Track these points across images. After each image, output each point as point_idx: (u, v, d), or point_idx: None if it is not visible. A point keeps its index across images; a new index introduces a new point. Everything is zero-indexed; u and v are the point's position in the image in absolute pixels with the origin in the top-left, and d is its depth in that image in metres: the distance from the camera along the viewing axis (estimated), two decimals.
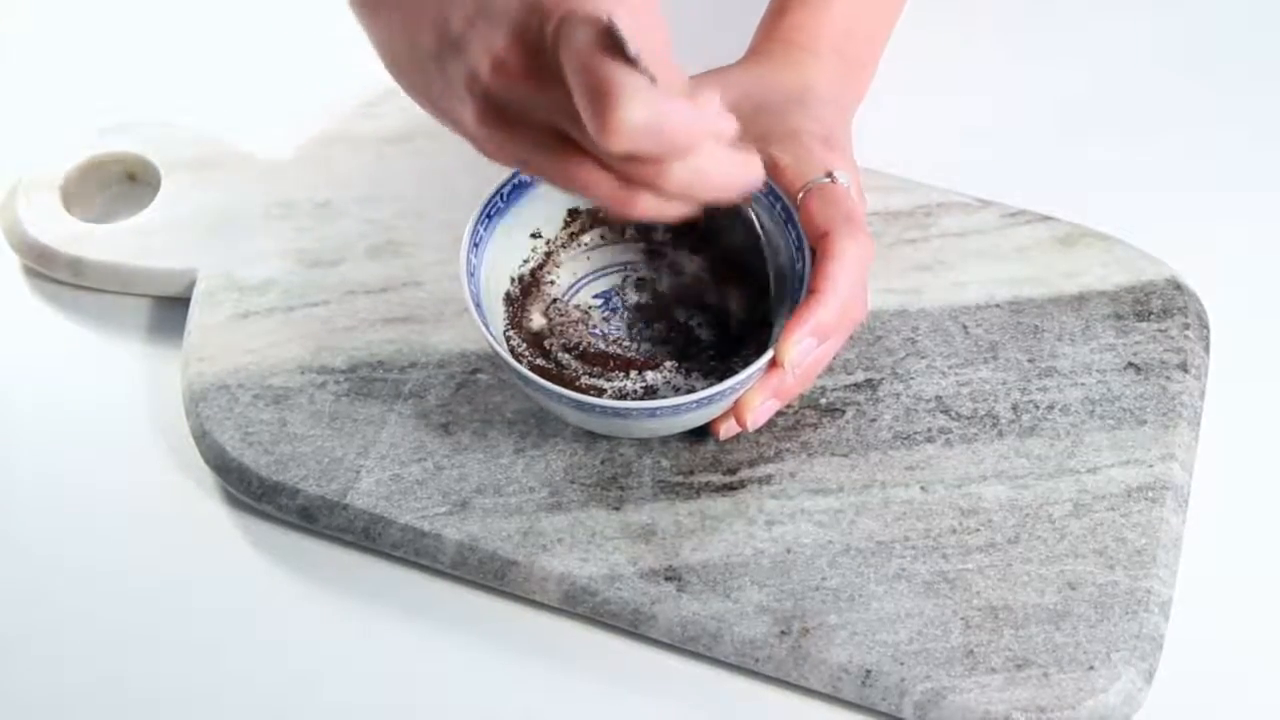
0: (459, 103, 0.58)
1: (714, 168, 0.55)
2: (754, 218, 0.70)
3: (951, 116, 0.85)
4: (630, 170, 0.55)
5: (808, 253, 0.66)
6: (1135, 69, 0.88)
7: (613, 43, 0.53)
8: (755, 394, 0.66)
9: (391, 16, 0.60)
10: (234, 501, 0.71)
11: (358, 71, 0.64)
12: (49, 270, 0.78)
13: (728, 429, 0.68)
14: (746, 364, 0.65)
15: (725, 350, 0.71)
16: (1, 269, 0.79)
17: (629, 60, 0.52)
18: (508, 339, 0.70)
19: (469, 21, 0.57)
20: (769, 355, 0.64)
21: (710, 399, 0.65)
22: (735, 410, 0.67)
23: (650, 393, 0.69)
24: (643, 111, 0.51)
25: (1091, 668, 0.65)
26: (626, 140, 0.52)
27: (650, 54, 0.53)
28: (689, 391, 0.68)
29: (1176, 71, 0.87)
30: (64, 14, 0.91)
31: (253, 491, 0.70)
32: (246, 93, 0.86)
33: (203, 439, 0.71)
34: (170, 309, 0.77)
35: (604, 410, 0.65)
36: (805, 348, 0.64)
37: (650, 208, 0.57)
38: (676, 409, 0.65)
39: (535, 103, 0.56)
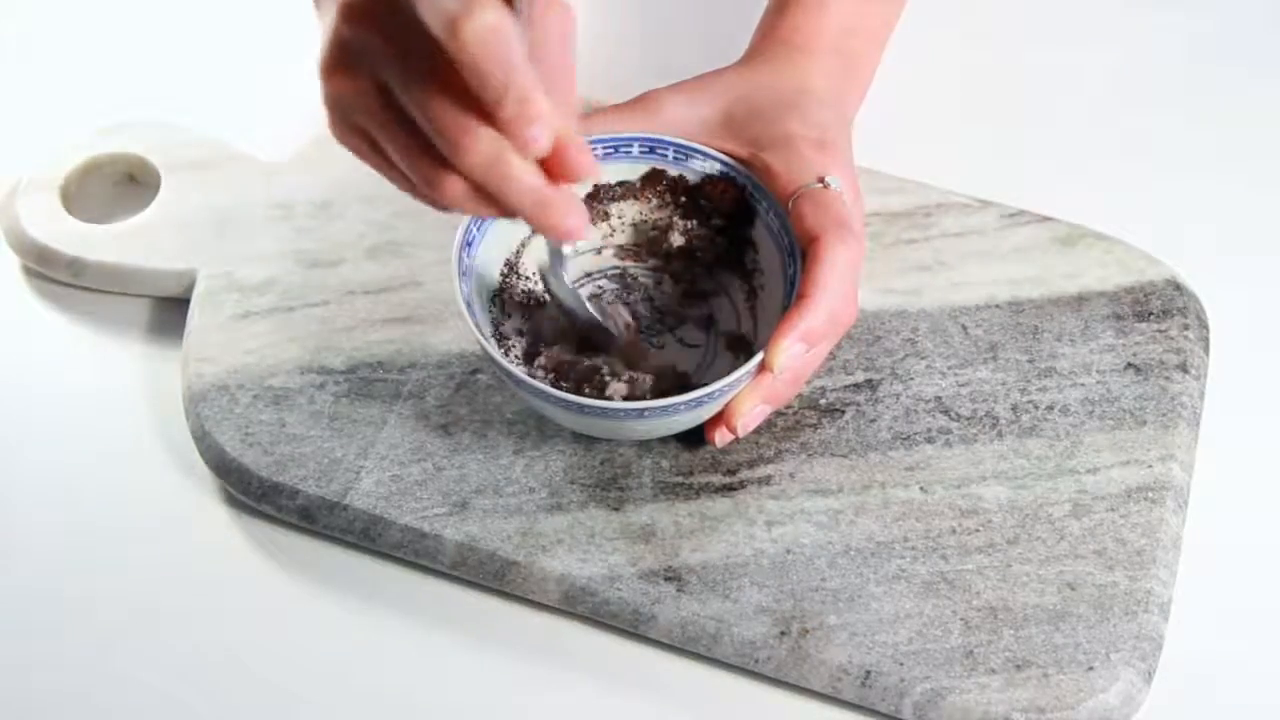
0: (321, 55, 0.59)
1: (517, 163, 0.57)
2: (753, 220, 0.70)
3: (951, 116, 0.85)
4: (444, 124, 0.56)
5: (798, 257, 0.66)
6: (1135, 70, 0.88)
7: None
8: (746, 399, 0.66)
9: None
10: (234, 502, 0.71)
11: None
12: (49, 270, 0.78)
13: (721, 436, 0.68)
14: (736, 367, 0.65)
15: (715, 353, 0.71)
16: (1, 269, 0.79)
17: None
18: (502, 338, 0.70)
19: None
20: (757, 359, 0.64)
21: (699, 400, 0.65)
22: (725, 416, 0.67)
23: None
24: (493, 17, 0.53)
25: (1091, 668, 0.65)
26: (471, 40, 0.53)
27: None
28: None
29: (1177, 72, 0.87)
30: (64, 14, 0.91)
31: (253, 492, 0.70)
32: (246, 93, 0.86)
33: (202, 439, 0.71)
34: (170, 309, 0.77)
35: (591, 410, 0.65)
36: (794, 353, 0.64)
37: (456, 193, 0.58)
38: (665, 410, 0.65)
39: (370, 46, 0.57)
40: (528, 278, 0.72)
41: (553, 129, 0.56)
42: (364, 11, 0.57)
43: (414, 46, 0.55)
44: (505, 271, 0.72)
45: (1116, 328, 0.74)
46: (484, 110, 0.55)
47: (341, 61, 0.58)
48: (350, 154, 0.62)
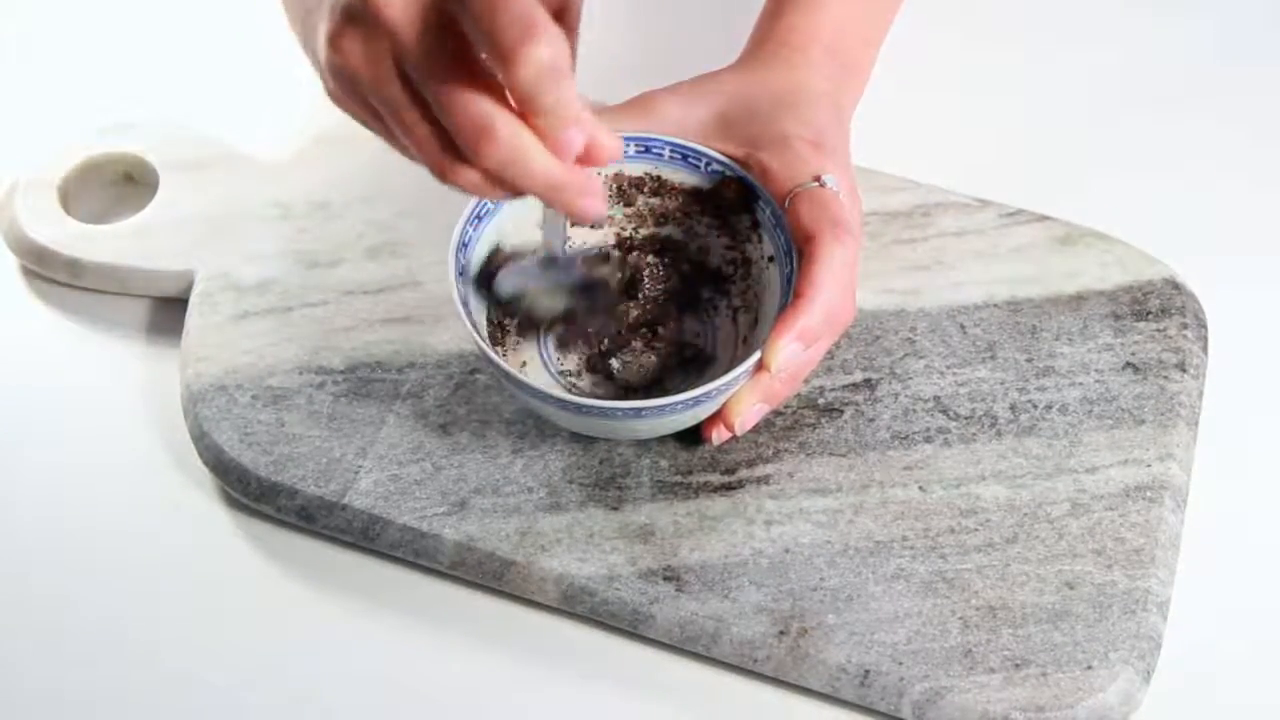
0: (328, 28, 0.59)
1: (536, 157, 0.57)
2: (752, 218, 0.70)
3: (951, 116, 0.85)
4: (462, 124, 0.56)
5: (795, 257, 0.66)
6: (1134, 69, 0.88)
7: None
8: (743, 398, 0.66)
9: None
10: (233, 502, 0.72)
11: None
12: (47, 271, 0.78)
13: (718, 434, 0.68)
14: (733, 367, 0.65)
15: (712, 354, 0.71)
16: (0, 269, 0.79)
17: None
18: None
19: None
20: (755, 358, 0.64)
21: (696, 400, 0.64)
22: (723, 414, 0.67)
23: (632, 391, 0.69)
24: (548, 53, 0.54)
25: (1089, 667, 0.65)
26: (534, 72, 0.54)
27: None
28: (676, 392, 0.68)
29: (1176, 71, 0.87)
30: (64, 14, 0.91)
31: (251, 492, 0.70)
32: (246, 93, 0.86)
33: (201, 439, 0.71)
34: (169, 309, 0.77)
35: (589, 410, 0.65)
36: (791, 352, 0.64)
37: (471, 182, 0.59)
38: (662, 409, 0.65)
39: (383, 31, 0.57)
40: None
41: (587, 131, 0.56)
42: (350, 44, 0.58)
43: (434, 38, 0.56)
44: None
45: (1115, 327, 0.74)
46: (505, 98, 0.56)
47: (351, 39, 0.58)
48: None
